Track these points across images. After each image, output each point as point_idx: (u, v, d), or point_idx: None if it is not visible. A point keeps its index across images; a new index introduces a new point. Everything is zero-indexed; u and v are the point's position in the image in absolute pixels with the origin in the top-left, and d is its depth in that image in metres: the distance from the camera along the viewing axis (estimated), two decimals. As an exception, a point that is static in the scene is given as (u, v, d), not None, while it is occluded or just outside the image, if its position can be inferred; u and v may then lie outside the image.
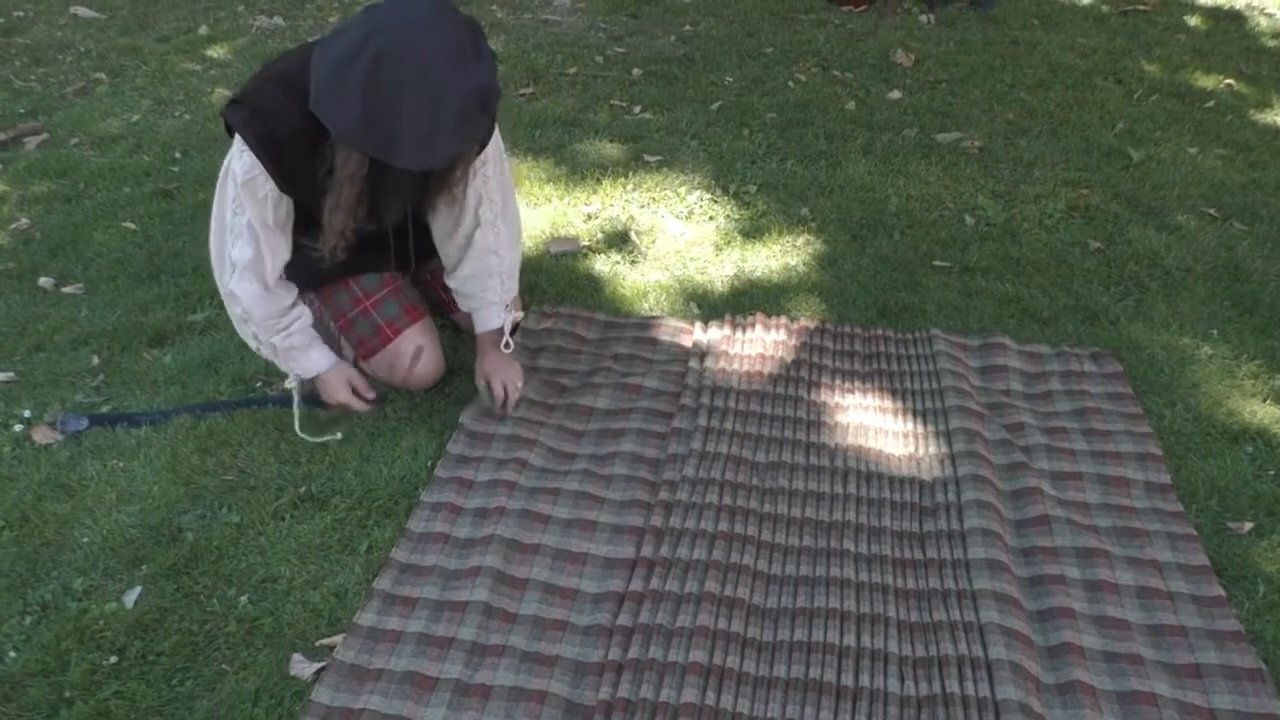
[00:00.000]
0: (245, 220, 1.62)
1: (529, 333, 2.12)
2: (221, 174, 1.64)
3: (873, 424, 1.90)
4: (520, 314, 2.09)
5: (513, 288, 1.93)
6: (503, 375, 1.89)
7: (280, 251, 1.68)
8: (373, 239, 1.74)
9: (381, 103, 1.39)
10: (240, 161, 1.57)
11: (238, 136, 1.56)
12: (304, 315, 1.78)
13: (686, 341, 2.12)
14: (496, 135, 1.74)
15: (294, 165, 1.54)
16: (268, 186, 1.58)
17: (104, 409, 1.92)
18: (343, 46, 1.41)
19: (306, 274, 1.79)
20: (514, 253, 1.93)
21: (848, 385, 2.00)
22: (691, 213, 2.65)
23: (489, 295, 1.88)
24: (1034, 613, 1.53)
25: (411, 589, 1.55)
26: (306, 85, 1.46)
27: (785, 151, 2.98)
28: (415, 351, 1.89)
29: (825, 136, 3.07)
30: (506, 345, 1.91)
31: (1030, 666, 1.42)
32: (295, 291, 1.77)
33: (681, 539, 1.62)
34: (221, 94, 3.39)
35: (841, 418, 1.92)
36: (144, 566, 1.58)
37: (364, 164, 1.48)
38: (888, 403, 1.96)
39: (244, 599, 1.53)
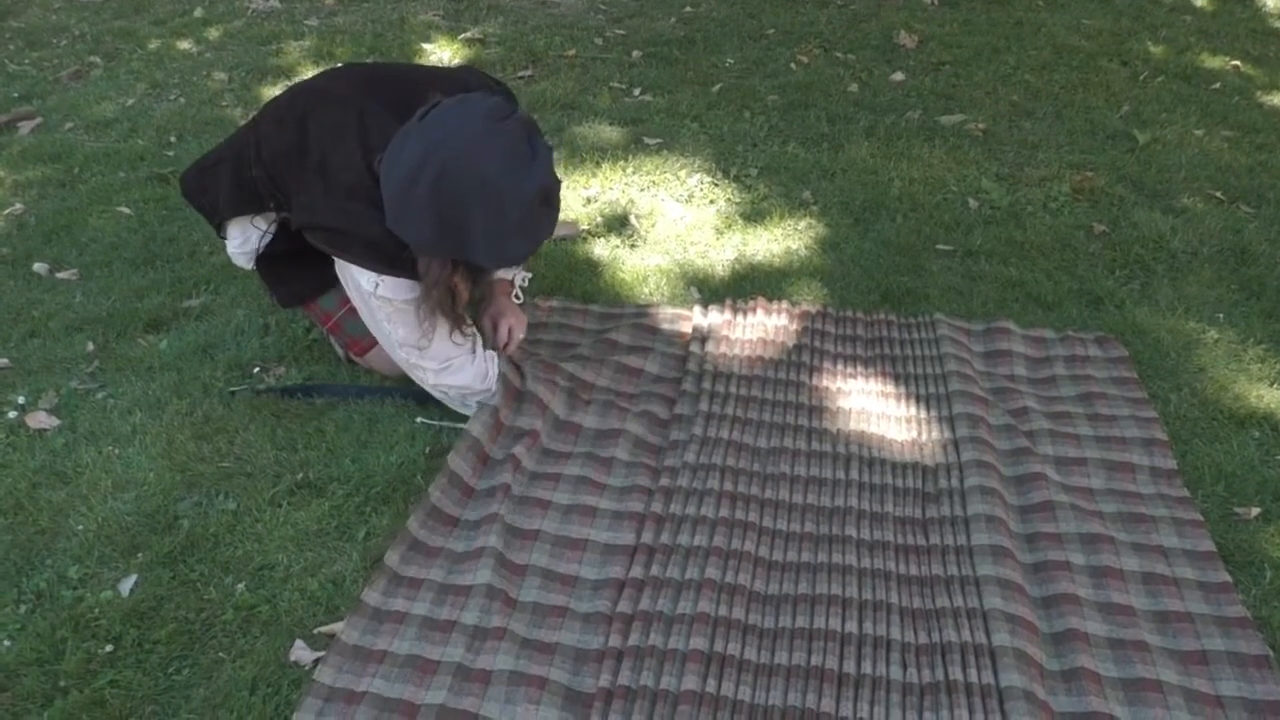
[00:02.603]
0: (417, 331, 1.68)
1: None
2: (359, 302, 1.71)
3: (875, 409, 1.88)
4: (529, 274, 2.11)
5: None
6: (509, 318, 1.91)
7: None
8: None
9: (450, 216, 1.49)
10: (388, 289, 1.64)
11: (356, 267, 1.64)
12: (487, 355, 1.84)
13: (686, 327, 2.10)
14: None
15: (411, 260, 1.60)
16: (415, 290, 1.65)
17: (99, 395, 1.90)
18: (406, 166, 1.50)
19: (304, 286, 1.87)
20: None
21: (850, 370, 1.98)
22: (692, 196, 2.62)
23: None
24: (1038, 599, 1.51)
25: (418, 569, 1.54)
26: (362, 189, 1.57)
27: (787, 134, 2.95)
28: None
29: (827, 119, 3.04)
30: (516, 296, 1.95)
31: (1034, 653, 1.41)
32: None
33: (682, 525, 1.61)
34: (218, 78, 3.35)
35: (843, 403, 1.90)
36: (140, 554, 1.57)
37: (446, 265, 1.57)
38: (890, 388, 1.94)
39: (241, 587, 1.51)
